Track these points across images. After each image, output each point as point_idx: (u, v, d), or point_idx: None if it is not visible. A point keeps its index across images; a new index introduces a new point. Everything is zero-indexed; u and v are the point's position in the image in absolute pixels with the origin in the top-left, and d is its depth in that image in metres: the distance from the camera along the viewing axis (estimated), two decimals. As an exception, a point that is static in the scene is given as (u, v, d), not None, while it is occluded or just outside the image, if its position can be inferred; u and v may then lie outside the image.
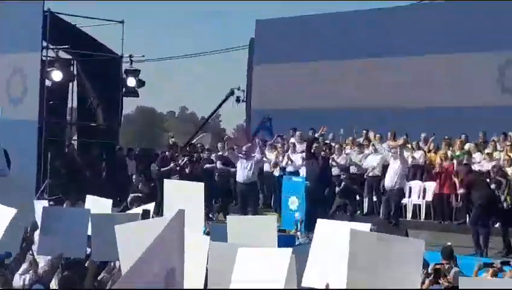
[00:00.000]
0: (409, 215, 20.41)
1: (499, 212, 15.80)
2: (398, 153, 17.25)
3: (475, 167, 18.41)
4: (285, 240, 11.98)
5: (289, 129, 23.93)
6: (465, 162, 18.05)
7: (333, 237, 6.85)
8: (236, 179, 20.13)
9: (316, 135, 20.16)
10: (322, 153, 19.42)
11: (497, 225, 16.50)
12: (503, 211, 15.88)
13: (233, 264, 6.21)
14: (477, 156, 19.38)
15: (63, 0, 28.72)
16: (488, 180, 16.72)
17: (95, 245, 8.94)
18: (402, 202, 20.48)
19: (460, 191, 16.81)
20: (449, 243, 12.01)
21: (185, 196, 8.87)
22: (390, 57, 25.14)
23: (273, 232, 8.44)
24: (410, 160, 19.87)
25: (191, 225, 8.33)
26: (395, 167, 17.07)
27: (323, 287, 6.35)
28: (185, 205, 8.51)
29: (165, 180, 10.00)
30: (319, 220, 7.12)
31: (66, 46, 25.61)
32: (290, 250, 6.12)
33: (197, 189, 9.15)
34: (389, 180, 17.18)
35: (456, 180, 17.83)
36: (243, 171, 19.75)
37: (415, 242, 6.47)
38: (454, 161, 19.54)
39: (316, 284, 6.68)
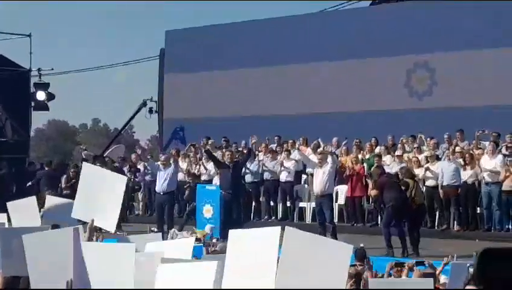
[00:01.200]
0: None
1: (409, 214, 16.07)
2: (327, 159, 17.26)
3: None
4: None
5: (202, 138, 23.93)
6: (377, 164, 18.31)
7: (246, 243, 6.82)
8: (156, 190, 20.06)
9: (250, 146, 20.23)
10: (235, 160, 19.46)
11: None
12: (412, 212, 16.18)
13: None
14: (387, 158, 19.71)
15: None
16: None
17: (4, 259, 8.72)
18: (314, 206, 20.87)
19: (373, 192, 16.96)
20: (361, 245, 12.18)
21: (103, 184, 8.51)
22: (298, 64, 25.39)
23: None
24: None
25: (104, 218, 8.25)
26: (323, 172, 17.07)
27: None
28: (101, 193, 8.44)
29: (84, 163, 9.70)
30: (230, 231, 7.06)
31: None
32: (215, 263, 6.13)
33: (120, 182, 8.72)
34: (319, 186, 17.19)
35: (370, 182, 18.09)
36: (159, 182, 19.73)
37: (344, 246, 6.58)
38: (365, 164, 19.89)
39: None
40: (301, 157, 20.05)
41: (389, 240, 15.59)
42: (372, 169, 17.80)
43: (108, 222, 8.35)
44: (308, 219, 20.91)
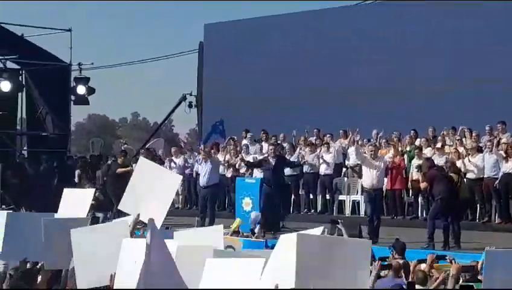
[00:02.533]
0: (362, 212, 20.51)
1: (455, 207, 15.92)
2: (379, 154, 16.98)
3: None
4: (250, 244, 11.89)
5: (242, 131, 23.98)
6: (427, 156, 18.12)
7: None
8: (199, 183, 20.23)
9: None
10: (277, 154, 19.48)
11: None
12: (457, 206, 15.99)
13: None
14: (427, 151, 19.54)
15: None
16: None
17: (48, 253, 8.81)
18: (354, 199, 20.80)
19: (423, 185, 16.66)
20: (397, 237, 12.14)
21: (157, 180, 8.56)
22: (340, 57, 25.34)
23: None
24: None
25: (151, 214, 8.27)
26: (377, 166, 16.52)
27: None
28: (153, 189, 8.45)
29: (141, 158, 9.68)
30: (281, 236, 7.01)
31: (14, 56, 25.45)
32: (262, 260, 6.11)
33: (173, 180, 8.84)
34: (373, 180, 16.54)
35: (419, 175, 17.69)
36: (201, 175, 19.98)
37: (360, 243, 6.54)
38: (405, 157, 19.74)
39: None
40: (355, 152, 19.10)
41: (432, 232, 15.42)
42: (422, 162, 17.58)
43: (155, 218, 8.36)
44: (348, 211, 20.83)
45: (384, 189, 19.79)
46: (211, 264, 6.21)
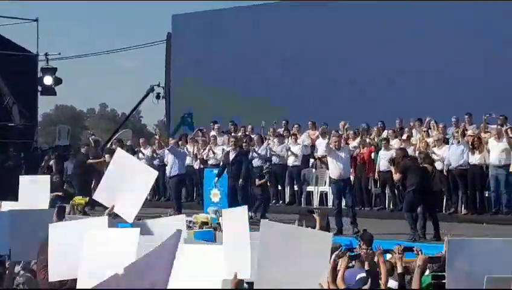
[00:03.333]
0: (330, 203, 20.59)
1: (429, 199, 15.84)
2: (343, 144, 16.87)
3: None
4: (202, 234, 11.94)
5: (210, 122, 23.97)
6: (401, 146, 18.08)
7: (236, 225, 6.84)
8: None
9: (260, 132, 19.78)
10: (243, 145, 19.55)
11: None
12: (431, 197, 15.98)
13: None
14: (395, 142, 19.64)
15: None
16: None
17: (14, 245, 8.74)
18: (322, 190, 20.86)
19: (396, 176, 16.37)
20: (364, 228, 12.21)
21: (133, 174, 8.51)
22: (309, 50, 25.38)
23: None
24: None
25: (125, 206, 8.24)
26: (342, 156, 16.51)
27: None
28: (129, 182, 8.43)
29: (118, 149, 9.63)
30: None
31: (-20, 47, 25.20)
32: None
33: (149, 175, 8.78)
34: (339, 170, 16.47)
35: (392, 168, 17.55)
36: (168, 166, 20.22)
37: (323, 235, 6.62)
38: (372, 148, 19.84)
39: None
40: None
41: (414, 223, 15.26)
42: (395, 152, 17.46)
43: (129, 211, 8.33)
44: (316, 203, 20.90)
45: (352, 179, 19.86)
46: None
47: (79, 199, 19.23)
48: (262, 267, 6.05)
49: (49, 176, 10.60)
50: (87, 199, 18.48)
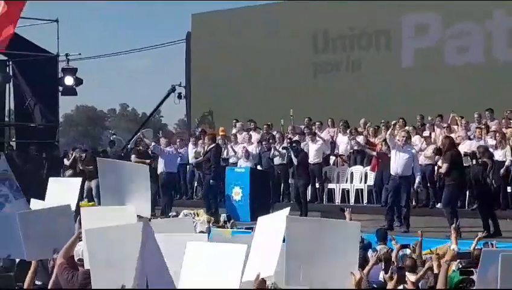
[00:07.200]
0: (352, 200, 20.54)
1: (484, 194, 15.27)
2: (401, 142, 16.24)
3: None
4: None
5: (230, 121, 23.99)
6: (446, 134, 17.52)
7: (271, 229, 6.67)
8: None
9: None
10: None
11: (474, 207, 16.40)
12: (488, 193, 15.37)
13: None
14: (416, 139, 19.50)
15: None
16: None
17: (27, 245, 8.52)
18: (344, 187, 20.79)
19: (444, 166, 15.24)
20: (382, 225, 12.21)
21: (125, 175, 8.43)
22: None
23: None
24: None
25: (137, 206, 8.17)
26: (405, 154, 15.98)
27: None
28: (126, 184, 8.39)
29: (98, 159, 9.45)
30: (259, 219, 6.94)
31: (1, 48, 25.26)
32: (244, 246, 6.04)
33: (141, 170, 8.69)
34: (399, 167, 15.91)
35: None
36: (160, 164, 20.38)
37: (351, 225, 6.55)
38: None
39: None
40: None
41: (453, 218, 14.28)
42: (441, 140, 16.56)
43: (143, 208, 8.25)
44: (338, 200, 20.81)
45: (373, 177, 19.72)
46: (192, 248, 6.17)
47: (86, 204, 19.07)
48: (290, 263, 5.99)
49: (80, 179, 10.47)
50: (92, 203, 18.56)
